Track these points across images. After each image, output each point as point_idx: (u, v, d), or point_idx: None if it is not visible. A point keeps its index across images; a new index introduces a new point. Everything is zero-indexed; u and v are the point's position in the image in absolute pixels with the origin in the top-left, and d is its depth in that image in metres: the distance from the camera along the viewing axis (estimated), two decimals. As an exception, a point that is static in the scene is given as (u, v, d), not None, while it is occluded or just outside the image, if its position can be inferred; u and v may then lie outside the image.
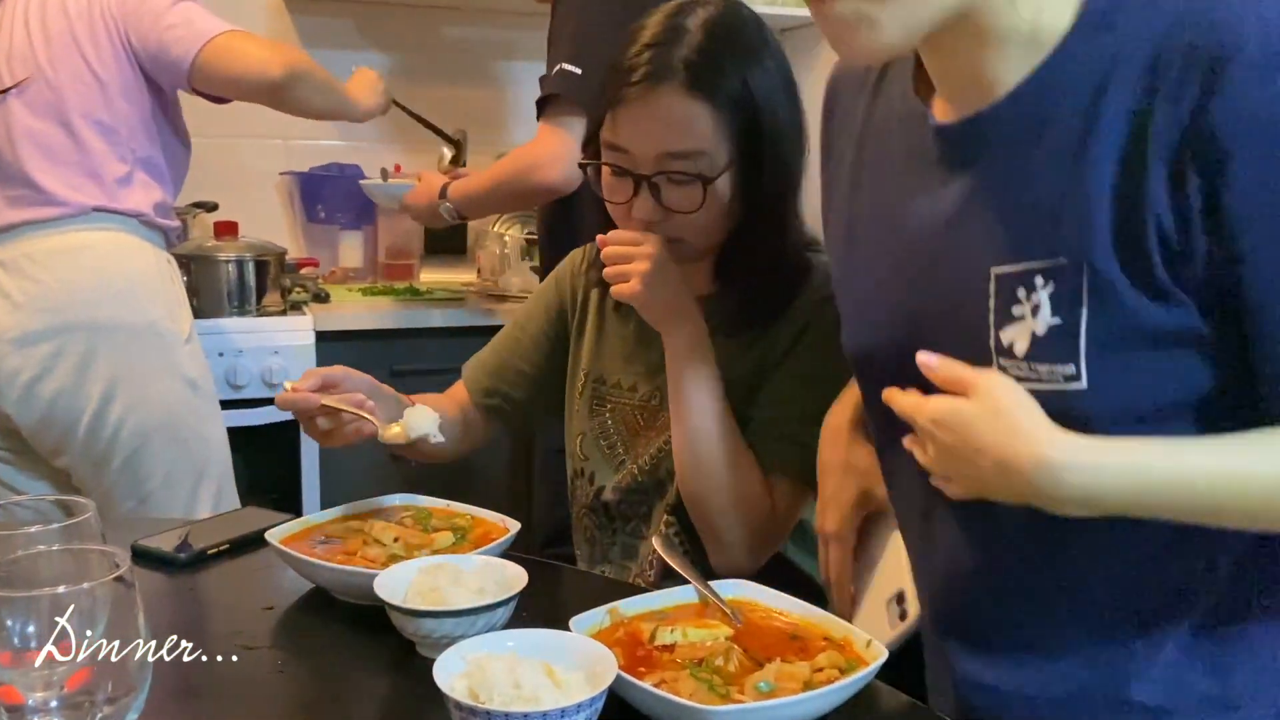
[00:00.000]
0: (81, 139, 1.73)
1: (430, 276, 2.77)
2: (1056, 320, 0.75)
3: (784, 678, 0.83)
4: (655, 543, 1.09)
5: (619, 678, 0.80)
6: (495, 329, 2.39)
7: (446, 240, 2.81)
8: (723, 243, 1.23)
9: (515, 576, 0.98)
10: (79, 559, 0.70)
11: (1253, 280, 0.71)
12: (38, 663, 0.64)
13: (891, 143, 0.90)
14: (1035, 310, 0.76)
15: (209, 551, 1.16)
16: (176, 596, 1.11)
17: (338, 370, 1.18)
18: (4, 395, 1.71)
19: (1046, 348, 0.76)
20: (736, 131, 1.16)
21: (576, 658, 0.84)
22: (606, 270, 1.19)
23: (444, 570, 0.97)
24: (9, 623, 0.65)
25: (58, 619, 0.64)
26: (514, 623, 0.94)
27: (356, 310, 2.39)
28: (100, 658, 0.65)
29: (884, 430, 0.93)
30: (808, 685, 0.82)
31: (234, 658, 0.94)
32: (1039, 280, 0.76)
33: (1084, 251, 0.74)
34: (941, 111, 0.84)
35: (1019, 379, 0.77)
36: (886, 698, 0.91)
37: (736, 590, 0.99)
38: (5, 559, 0.68)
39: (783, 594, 0.97)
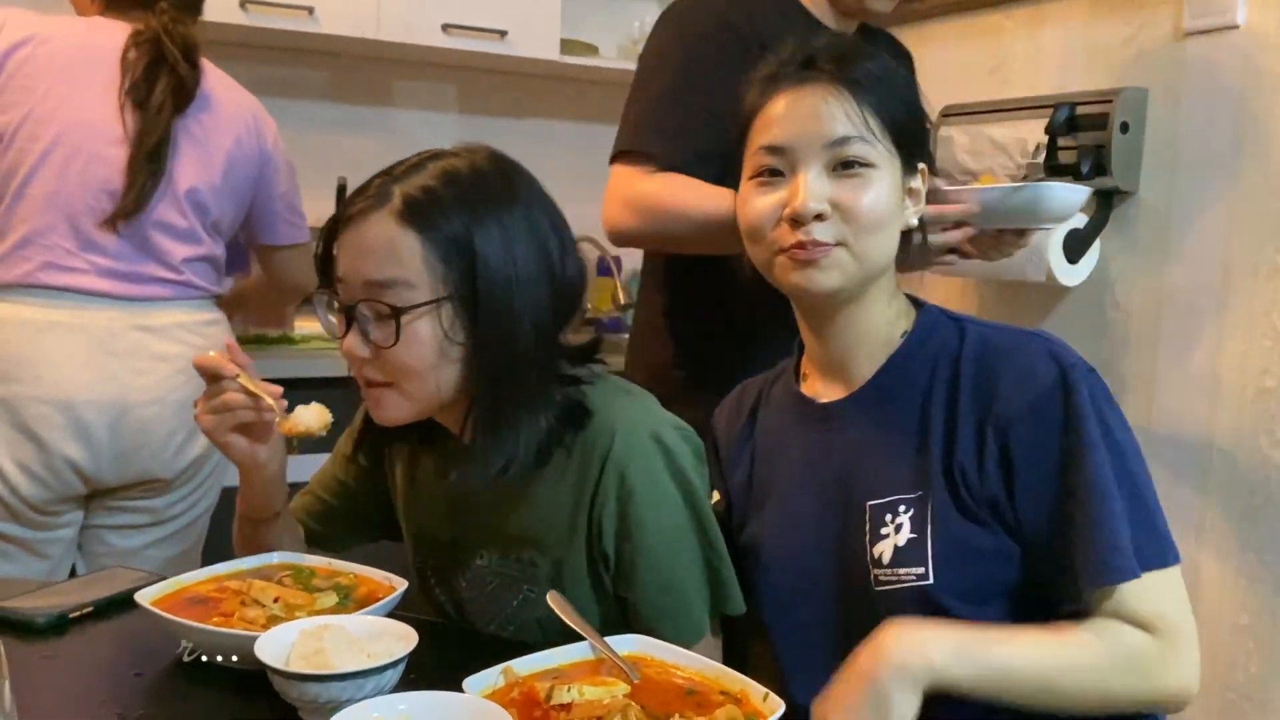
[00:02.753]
0: (215, 239, 1.92)
1: (304, 325, 2.69)
2: (913, 535, 1.03)
3: (686, 734, 0.83)
4: (550, 599, 1.07)
5: (516, 740, 0.79)
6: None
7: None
8: (467, 395, 1.13)
9: (404, 636, 0.95)
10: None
11: (1027, 513, 1.00)
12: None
13: (784, 426, 1.19)
14: (898, 529, 1.04)
15: (72, 615, 1.10)
16: (39, 663, 1.04)
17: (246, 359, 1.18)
18: (155, 455, 1.80)
19: (905, 555, 1.03)
20: (453, 272, 1.07)
21: (473, 719, 0.81)
22: None
23: (328, 631, 0.94)
24: None
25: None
26: (403, 685, 0.92)
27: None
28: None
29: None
30: (707, 740, 0.82)
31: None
32: (901, 508, 1.04)
33: (930, 488, 1.03)
34: (815, 391, 1.16)
35: (883, 581, 1.04)
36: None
37: (633, 645, 0.98)
38: None
39: (678, 648, 0.97)
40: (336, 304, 1.12)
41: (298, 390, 2.28)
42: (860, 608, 1.04)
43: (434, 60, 2.91)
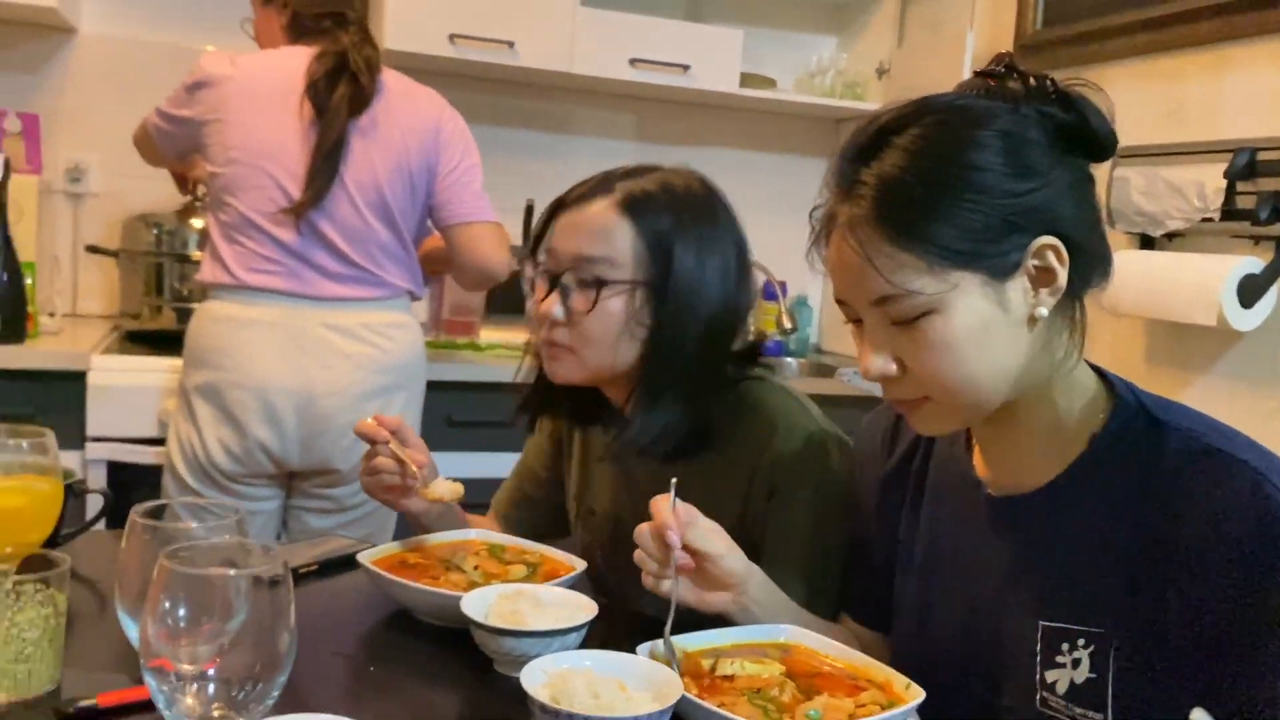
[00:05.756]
0: (401, 236, 2.07)
1: (490, 334, 2.90)
2: (1093, 676, 0.93)
3: (831, 709, 0.92)
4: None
5: (684, 698, 0.90)
6: (550, 388, 2.54)
7: (507, 300, 2.95)
8: (638, 372, 1.26)
9: (585, 606, 1.08)
10: (240, 552, 0.80)
11: (1203, 673, 0.88)
12: (199, 638, 0.74)
13: (947, 495, 1.08)
14: (1075, 664, 0.94)
15: (301, 570, 1.27)
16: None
17: (416, 437, 1.31)
18: (334, 443, 2.01)
19: (1083, 695, 0.93)
20: (652, 264, 1.22)
21: (646, 679, 0.93)
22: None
23: (523, 596, 1.07)
24: (167, 604, 0.76)
25: (218, 601, 0.74)
26: (582, 649, 1.04)
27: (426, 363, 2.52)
28: (252, 642, 0.75)
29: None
30: (852, 717, 0.91)
31: (329, 661, 1.04)
32: (1081, 641, 0.94)
33: (1114, 626, 0.92)
34: (987, 476, 1.03)
35: (1055, 712, 0.95)
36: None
37: (787, 633, 1.08)
38: (179, 545, 0.79)
39: (829, 640, 1.06)
40: (543, 273, 1.28)
41: (482, 392, 2.50)
42: (1019, 702, 0.98)
43: (619, 92, 3.08)
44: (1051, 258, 0.92)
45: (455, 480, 1.28)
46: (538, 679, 0.90)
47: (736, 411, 1.28)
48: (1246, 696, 0.87)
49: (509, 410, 1.46)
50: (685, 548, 1.04)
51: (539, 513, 1.52)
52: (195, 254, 2.46)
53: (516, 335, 2.94)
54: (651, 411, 1.24)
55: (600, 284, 1.23)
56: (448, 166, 2.09)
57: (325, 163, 1.97)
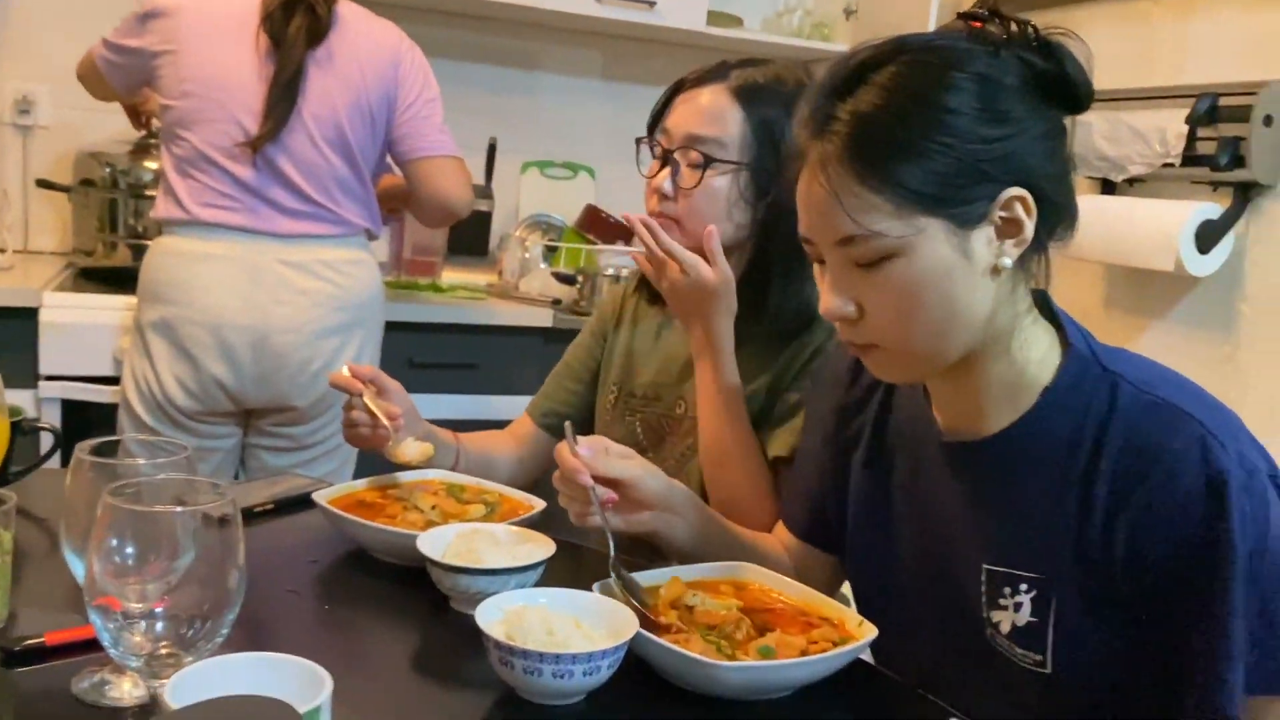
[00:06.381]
0: (359, 171, 2.03)
1: (452, 275, 2.87)
2: (1034, 619, 0.94)
3: (783, 645, 0.93)
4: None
5: (639, 634, 0.90)
6: (512, 329, 2.54)
7: (470, 242, 2.92)
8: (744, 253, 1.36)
9: (543, 544, 1.08)
10: (189, 489, 0.79)
11: (1149, 624, 0.90)
12: (146, 576, 0.73)
13: (904, 436, 1.08)
14: (1018, 607, 0.96)
15: (257, 509, 1.26)
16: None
17: (395, 384, 1.33)
18: (291, 380, 1.98)
19: (1023, 637, 0.95)
20: (760, 149, 1.32)
21: (602, 616, 0.94)
22: (644, 260, 1.31)
23: (480, 534, 1.07)
24: (114, 542, 0.75)
25: (165, 539, 0.73)
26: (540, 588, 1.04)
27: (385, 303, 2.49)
28: (201, 579, 0.74)
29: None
30: (804, 653, 0.93)
31: (282, 600, 1.04)
32: (1023, 586, 0.95)
33: (1055, 574, 0.93)
34: (942, 420, 1.03)
35: (999, 646, 0.97)
36: (876, 675, 1.01)
37: (744, 571, 1.09)
38: (124, 482, 0.77)
39: (786, 579, 1.07)
40: (658, 150, 1.38)
41: (443, 333, 2.48)
42: (967, 641, 1.00)
43: (582, 27, 3.03)
44: (1019, 209, 0.90)
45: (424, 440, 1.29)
46: (493, 616, 0.91)
47: (803, 316, 1.35)
48: (1186, 648, 0.88)
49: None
50: (601, 480, 1.06)
51: (577, 409, 1.55)
52: (151, 190, 2.40)
53: (479, 276, 2.92)
54: (753, 297, 1.32)
55: (708, 161, 1.31)
56: (407, 100, 2.04)
57: (283, 96, 1.93)
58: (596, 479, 1.06)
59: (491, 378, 2.51)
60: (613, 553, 1.04)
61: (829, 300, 0.95)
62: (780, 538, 1.24)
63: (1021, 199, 0.90)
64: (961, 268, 0.90)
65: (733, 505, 1.27)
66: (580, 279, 2.63)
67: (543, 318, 2.55)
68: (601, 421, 1.51)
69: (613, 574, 1.01)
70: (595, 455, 1.07)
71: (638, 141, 1.43)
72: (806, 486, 1.20)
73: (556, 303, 2.65)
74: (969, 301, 0.91)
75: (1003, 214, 0.90)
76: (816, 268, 0.98)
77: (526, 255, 2.81)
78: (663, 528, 1.12)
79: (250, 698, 0.55)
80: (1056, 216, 0.94)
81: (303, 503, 1.30)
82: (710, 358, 1.30)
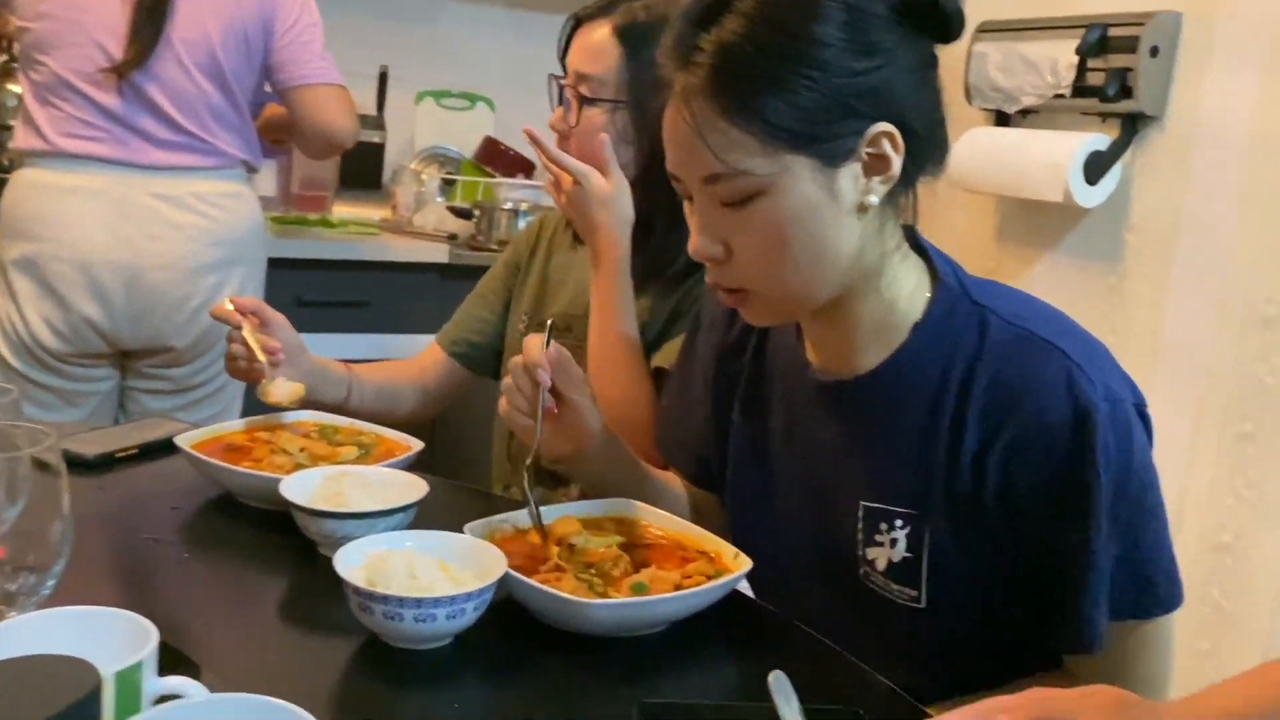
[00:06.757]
0: (235, 100, 1.94)
1: (343, 210, 2.78)
2: (909, 555, 0.94)
3: (657, 580, 0.92)
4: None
5: (507, 575, 0.88)
6: (406, 265, 2.47)
7: (362, 175, 2.82)
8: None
9: (415, 486, 1.04)
10: (4, 435, 0.74)
11: (1019, 557, 0.91)
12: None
13: (780, 376, 1.06)
14: (893, 543, 0.95)
15: (118, 454, 1.20)
16: (90, 493, 1.14)
17: (279, 317, 1.30)
18: (167, 319, 1.89)
19: (899, 572, 0.95)
20: (639, 85, 1.30)
21: (469, 557, 0.91)
22: (550, 175, 1.33)
23: (348, 477, 1.03)
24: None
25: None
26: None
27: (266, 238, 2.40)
28: (23, 530, 0.69)
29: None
30: (678, 588, 0.91)
31: (140, 548, 0.99)
32: (898, 522, 0.95)
33: (928, 509, 0.93)
34: (816, 360, 1.01)
35: (874, 583, 0.97)
36: (752, 607, 1.01)
37: (624, 507, 1.07)
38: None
39: (665, 513, 1.06)
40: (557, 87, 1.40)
41: (333, 270, 2.40)
42: (843, 581, 1.00)
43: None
44: (886, 145, 0.88)
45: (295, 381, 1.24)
46: (354, 561, 0.87)
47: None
48: (1053, 578, 0.89)
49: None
50: (553, 391, 1.04)
51: (488, 337, 1.55)
52: (11, 120, 2.26)
53: (371, 211, 2.83)
54: (642, 234, 1.32)
55: (583, 100, 1.34)
56: (285, 24, 1.95)
57: (148, 19, 1.82)
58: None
59: (385, 316, 2.45)
60: (530, 459, 1.03)
61: (696, 241, 0.92)
62: (679, 481, 1.23)
63: (889, 135, 0.87)
64: (828, 206, 0.88)
65: (609, 408, 1.26)
66: (478, 213, 2.56)
67: (438, 253, 2.48)
68: (511, 351, 1.50)
69: (525, 481, 1.01)
70: (561, 365, 1.04)
71: (550, 78, 1.42)
72: (693, 434, 1.17)
73: (453, 238, 2.59)
74: (836, 240, 0.89)
75: (870, 150, 0.88)
76: (687, 206, 0.95)
77: (422, 189, 2.73)
78: (579, 463, 1.11)
79: (46, 657, 0.51)
80: (926, 152, 0.91)
81: (170, 448, 1.24)
82: (604, 266, 1.30)
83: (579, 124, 1.34)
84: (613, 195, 1.29)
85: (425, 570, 0.86)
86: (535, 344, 1.04)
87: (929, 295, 0.95)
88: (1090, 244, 2.06)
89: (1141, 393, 0.93)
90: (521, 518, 1.03)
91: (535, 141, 1.33)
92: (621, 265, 1.30)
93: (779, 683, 0.76)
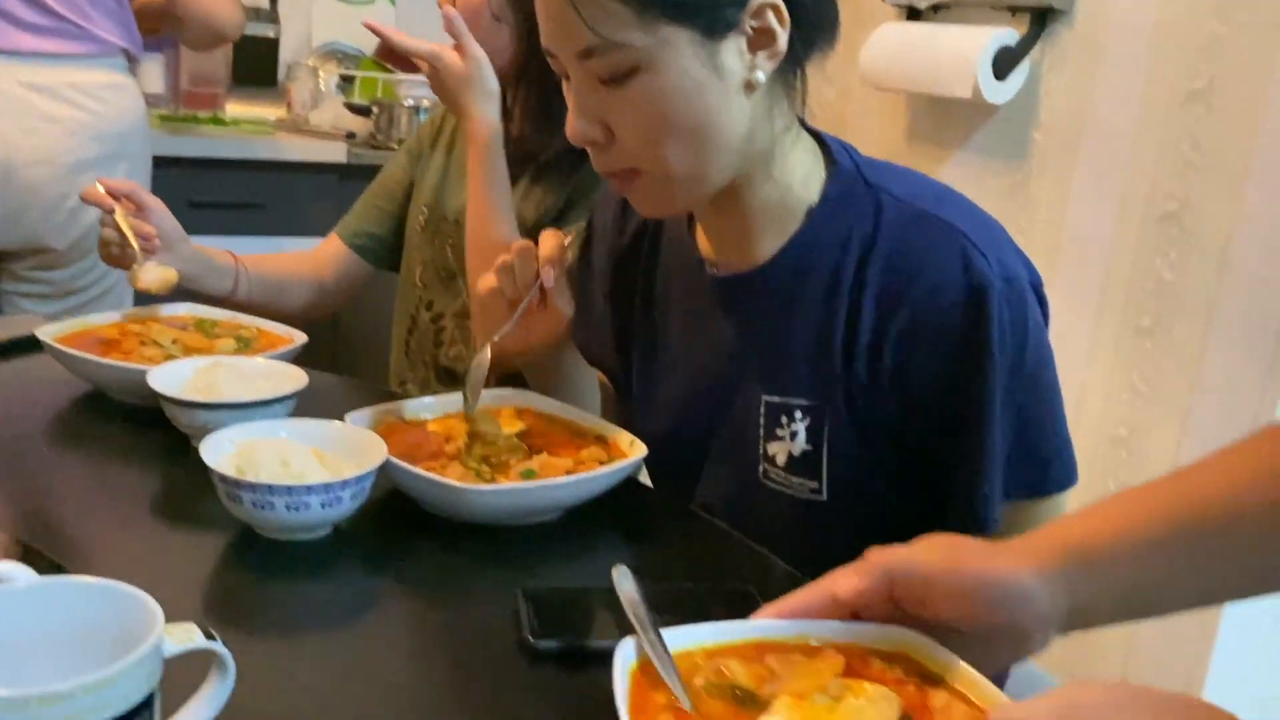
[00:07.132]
0: None
1: (236, 108, 2.64)
2: (809, 448, 0.92)
3: (548, 466, 0.89)
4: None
5: (389, 462, 0.84)
6: (302, 165, 2.36)
7: (255, 71, 2.69)
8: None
9: (294, 377, 0.99)
10: None
11: (914, 442, 0.90)
12: None
13: (675, 275, 1.03)
14: (794, 436, 0.92)
15: (-26, 351, 1.13)
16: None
17: (156, 201, 1.24)
18: (45, 218, 1.78)
19: (799, 466, 0.93)
20: None
21: (347, 445, 0.87)
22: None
23: (221, 368, 0.98)
24: None
25: None
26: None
27: (153, 136, 2.27)
28: None
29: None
30: (569, 473, 0.89)
31: (4, 446, 0.93)
32: (798, 414, 0.92)
33: (828, 400, 0.91)
34: (711, 255, 0.98)
35: (773, 479, 0.94)
36: (651, 495, 0.99)
37: (522, 398, 1.04)
38: None
39: (562, 403, 1.03)
40: None
41: (226, 170, 2.29)
42: (745, 478, 0.98)
43: None
44: (771, 18, 0.83)
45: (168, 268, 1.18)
46: (223, 449, 0.82)
47: None
48: (948, 459, 0.88)
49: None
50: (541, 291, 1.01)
51: (388, 229, 1.52)
52: None
53: (265, 109, 2.70)
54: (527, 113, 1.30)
55: None
56: None
57: None
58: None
59: (280, 218, 2.35)
60: (498, 335, 1.02)
61: (573, 123, 0.86)
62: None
63: (774, 6, 0.83)
64: (712, 83, 0.83)
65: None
66: (377, 111, 2.46)
67: (336, 153, 2.38)
68: (411, 244, 1.46)
69: (475, 366, 1.00)
70: (560, 271, 1.02)
71: None
72: (599, 344, 1.13)
73: (351, 136, 2.48)
74: (722, 120, 0.84)
75: (754, 23, 0.83)
76: (565, 85, 0.88)
77: (319, 87, 2.61)
78: (537, 365, 1.11)
79: None
80: (814, 27, 0.87)
81: (35, 344, 1.16)
82: (475, 145, 1.25)
83: (456, 5, 1.29)
84: (471, 73, 1.22)
85: (299, 458, 0.82)
86: (555, 240, 1.01)
87: (824, 178, 0.92)
88: (998, 142, 2.06)
89: (1037, 270, 0.92)
90: (410, 408, 0.99)
91: (376, 31, 1.25)
92: (491, 141, 1.24)
93: (621, 574, 0.70)
